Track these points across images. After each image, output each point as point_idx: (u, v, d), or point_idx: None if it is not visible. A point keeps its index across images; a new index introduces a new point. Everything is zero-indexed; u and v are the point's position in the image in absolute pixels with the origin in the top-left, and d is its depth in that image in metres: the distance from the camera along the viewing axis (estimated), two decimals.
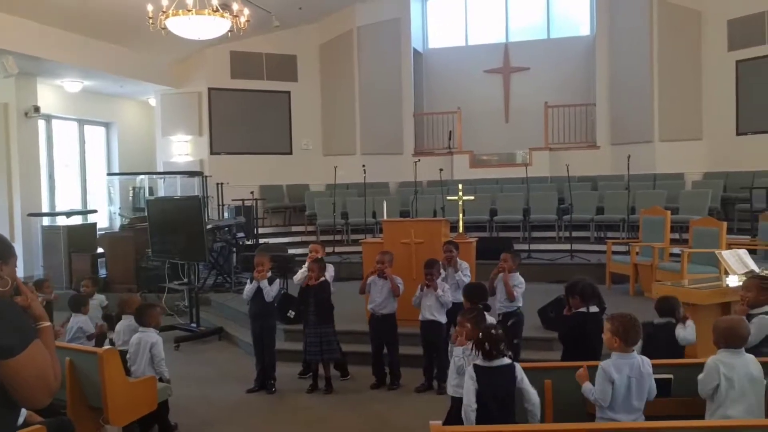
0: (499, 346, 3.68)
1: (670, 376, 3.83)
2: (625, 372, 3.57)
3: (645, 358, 3.68)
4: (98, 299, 7.02)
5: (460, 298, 6.02)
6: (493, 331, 3.78)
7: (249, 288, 6.25)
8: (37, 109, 11.53)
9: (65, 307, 6.29)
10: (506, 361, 3.71)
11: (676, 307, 4.82)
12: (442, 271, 6.18)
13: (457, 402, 4.52)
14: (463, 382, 3.85)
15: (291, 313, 7.37)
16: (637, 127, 13.01)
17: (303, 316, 6.20)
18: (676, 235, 10.22)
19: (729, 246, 7.78)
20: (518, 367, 3.71)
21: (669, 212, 9.13)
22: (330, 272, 6.45)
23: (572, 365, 3.97)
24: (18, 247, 10.73)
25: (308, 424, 5.43)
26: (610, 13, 13.56)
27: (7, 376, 2.00)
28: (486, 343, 3.68)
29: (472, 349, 3.92)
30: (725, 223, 8.31)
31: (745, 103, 11.98)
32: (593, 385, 3.63)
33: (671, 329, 4.67)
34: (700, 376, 3.62)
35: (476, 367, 3.70)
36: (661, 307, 4.84)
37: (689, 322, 4.68)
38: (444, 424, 4.54)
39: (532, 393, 3.65)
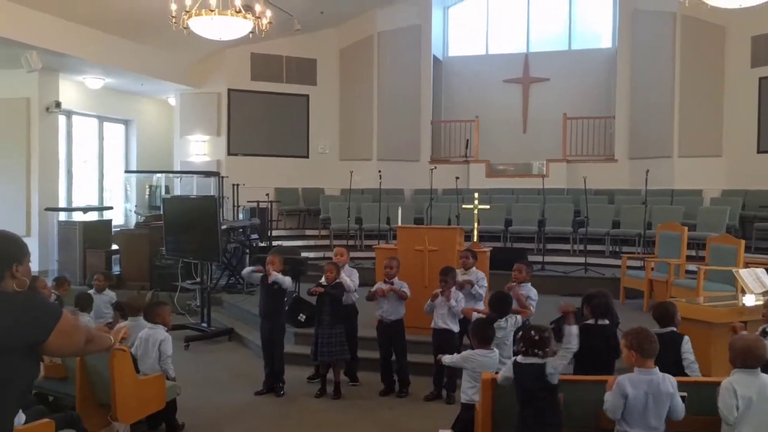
0: (534, 348, 3.80)
1: (684, 393, 3.77)
2: (642, 388, 3.51)
3: (669, 376, 3.60)
4: (108, 296, 7.02)
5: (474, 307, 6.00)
6: (533, 332, 3.88)
7: (251, 271, 6.43)
8: (58, 104, 11.66)
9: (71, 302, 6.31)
10: (536, 360, 3.78)
11: (675, 313, 4.57)
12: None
13: (467, 408, 4.49)
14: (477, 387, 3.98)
15: (302, 317, 7.36)
16: (657, 142, 12.91)
17: (317, 317, 6.16)
18: (693, 252, 10.11)
19: (746, 264, 7.68)
20: (548, 363, 3.75)
21: (686, 228, 9.02)
22: (355, 278, 6.44)
23: (583, 379, 3.93)
24: (34, 241, 10.83)
25: (316, 428, 5.41)
26: (632, 26, 13.48)
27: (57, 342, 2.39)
28: (529, 344, 3.83)
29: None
30: (743, 241, 8.20)
31: (767, 120, 11.85)
32: None
33: (676, 339, 4.49)
34: (719, 402, 3.52)
35: (514, 362, 3.85)
36: (661, 316, 4.56)
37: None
38: (452, 428, 4.53)
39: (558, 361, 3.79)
